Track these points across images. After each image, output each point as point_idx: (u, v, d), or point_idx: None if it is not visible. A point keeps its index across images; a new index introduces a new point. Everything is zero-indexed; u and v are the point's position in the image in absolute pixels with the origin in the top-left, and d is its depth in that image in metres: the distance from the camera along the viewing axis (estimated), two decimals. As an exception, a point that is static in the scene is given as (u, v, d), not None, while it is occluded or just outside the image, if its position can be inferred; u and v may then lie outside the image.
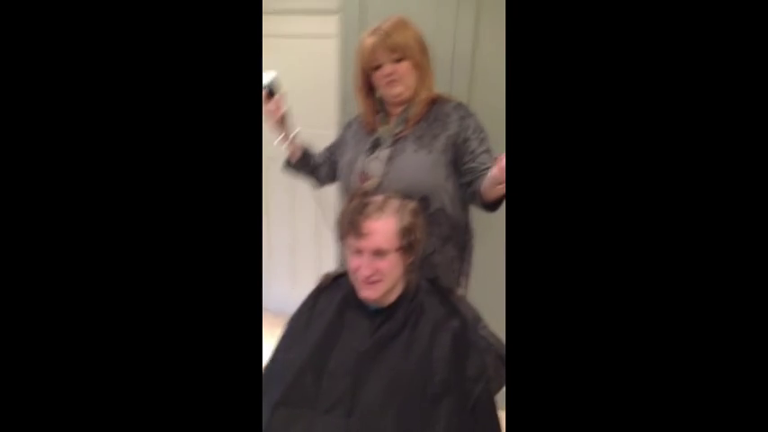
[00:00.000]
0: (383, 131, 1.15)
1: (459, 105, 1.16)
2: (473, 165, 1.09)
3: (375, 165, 1.12)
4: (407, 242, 0.94)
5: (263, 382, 0.96)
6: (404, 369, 0.90)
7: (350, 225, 0.93)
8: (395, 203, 0.95)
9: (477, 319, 1.03)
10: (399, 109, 1.15)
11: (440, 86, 1.45)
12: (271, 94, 1.18)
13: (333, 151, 1.31)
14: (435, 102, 1.15)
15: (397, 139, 1.13)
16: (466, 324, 0.97)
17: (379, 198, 0.96)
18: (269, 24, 2.14)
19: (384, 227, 0.92)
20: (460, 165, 1.12)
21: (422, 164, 1.10)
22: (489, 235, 1.46)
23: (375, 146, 1.15)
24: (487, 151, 1.11)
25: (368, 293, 0.94)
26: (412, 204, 0.97)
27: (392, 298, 0.97)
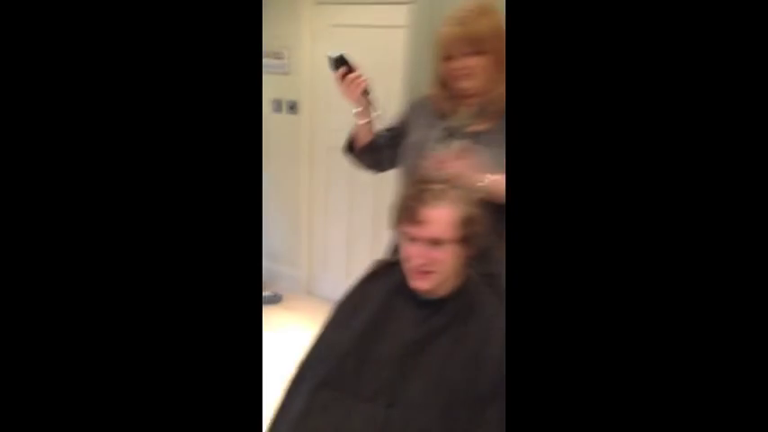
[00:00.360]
0: (457, 121, 1.09)
1: None
2: None
3: (447, 154, 1.06)
4: (466, 234, 0.89)
5: (307, 361, 0.95)
6: (451, 366, 0.86)
7: (407, 211, 0.89)
8: (456, 192, 0.91)
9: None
10: (472, 101, 1.08)
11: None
12: (347, 68, 1.13)
13: (396, 133, 1.25)
14: None
15: (475, 133, 1.06)
16: (522, 326, 0.91)
17: (439, 185, 0.92)
18: (339, 14, 2.16)
19: (442, 216, 0.88)
20: None
21: (498, 164, 1.03)
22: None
23: (449, 134, 1.08)
24: None
25: (420, 284, 0.90)
26: (475, 195, 0.93)
27: (445, 291, 0.93)
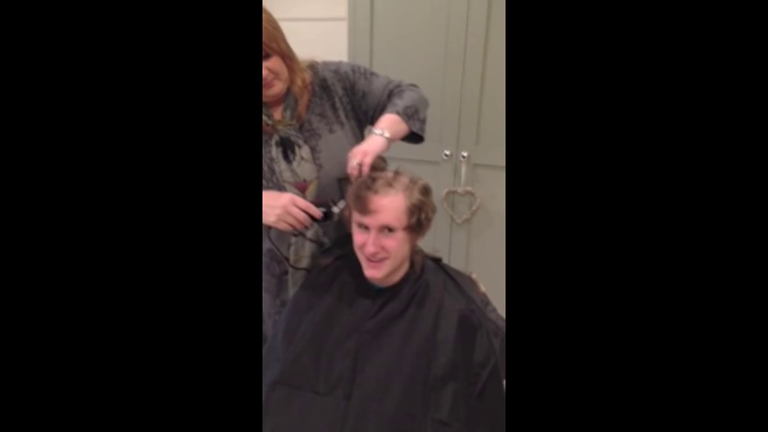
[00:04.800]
0: (283, 130, 1.02)
1: (325, 63, 1.08)
2: (368, 104, 1.07)
3: (305, 166, 1.01)
4: (416, 220, 0.90)
5: (263, 360, 0.93)
6: (406, 351, 0.86)
7: (356, 200, 0.89)
8: (404, 180, 0.91)
9: (486, 302, 0.99)
10: (278, 103, 1.03)
11: (452, 83, 1.38)
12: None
13: None
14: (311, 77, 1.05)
15: (303, 131, 1.03)
16: (473, 306, 0.93)
17: (388, 173, 0.93)
18: (279, 8, 2.12)
19: (392, 203, 0.88)
20: (359, 111, 1.08)
21: (345, 141, 1.03)
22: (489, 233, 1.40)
23: (286, 147, 1.02)
24: (369, 76, 1.07)
25: (372, 272, 0.90)
26: (422, 182, 0.94)
27: (397, 278, 0.94)
